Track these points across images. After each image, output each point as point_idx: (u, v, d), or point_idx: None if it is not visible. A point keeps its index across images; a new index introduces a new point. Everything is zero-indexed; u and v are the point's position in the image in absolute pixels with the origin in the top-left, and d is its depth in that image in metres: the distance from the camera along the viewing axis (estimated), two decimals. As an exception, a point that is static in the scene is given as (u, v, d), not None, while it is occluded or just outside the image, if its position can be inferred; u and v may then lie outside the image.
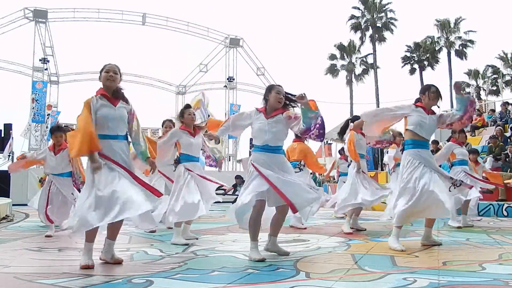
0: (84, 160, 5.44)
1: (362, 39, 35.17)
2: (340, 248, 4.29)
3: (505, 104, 14.96)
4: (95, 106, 3.41)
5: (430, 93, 4.28)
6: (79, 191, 5.05)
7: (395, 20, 34.99)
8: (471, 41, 34.85)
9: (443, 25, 34.86)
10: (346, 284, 2.76)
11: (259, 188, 3.57)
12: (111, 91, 3.50)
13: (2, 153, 15.03)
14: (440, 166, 5.33)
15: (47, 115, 16.39)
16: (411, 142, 4.26)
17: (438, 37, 35.18)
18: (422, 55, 35.14)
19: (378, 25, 34.57)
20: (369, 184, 5.65)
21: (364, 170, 5.73)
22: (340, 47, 35.59)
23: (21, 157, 6.05)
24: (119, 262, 3.44)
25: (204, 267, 3.25)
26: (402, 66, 36.11)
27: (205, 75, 22.41)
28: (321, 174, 22.75)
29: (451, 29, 34.77)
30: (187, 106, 5.00)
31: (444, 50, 35.15)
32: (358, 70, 35.47)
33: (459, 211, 6.41)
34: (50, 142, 5.96)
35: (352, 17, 35.06)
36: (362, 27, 34.82)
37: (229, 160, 20.52)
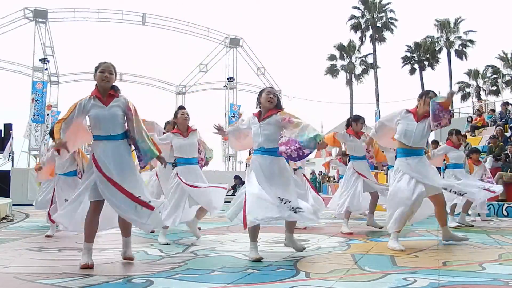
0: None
1: (362, 39, 35.23)
2: (340, 248, 4.29)
3: (505, 104, 14.95)
4: (86, 106, 3.38)
5: (426, 98, 4.30)
6: None
7: (395, 20, 35.07)
8: (471, 41, 34.88)
9: (443, 25, 34.87)
10: (346, 284, 2.75)
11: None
12: (105, 91, 3.44)
13: (2, 153, 15.02)
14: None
15: (47, 115, 16.39)
16: (400, 150, 4.38)
17: (438, 37, 35.20)
18: (422, 55, 35.14)
19: (378, 25, 34.60)
20: (365, 186, 5.68)
21: (362, 171, 5.73)
22: (340, 47, 35.61)
23: (38, 168, 5.96)
24: (129, 259, 3.49)
25: (204, 267, 3.25)
26: (402, 66, 36.16)
27: (205, 75, 22.43)
28: (321, 174, 22.82)
29: (451, 29, 34.78)
30: (181, 107, 5.02)
31: (444, 50, 35.17)
32: (358, 70, 35.52)
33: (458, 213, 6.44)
34: (51, 142, 5.96)
35: (352, 17, 35.08)
36: (362, 27, 34.83)
37: (229, 160, 20.51)
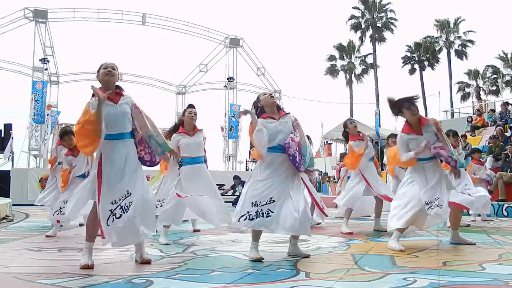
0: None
1: (362, 39, 35.21)
2: (340, 248, 4.29)
3: (505, 104, 14.96)
4: (94, 106, 3.28)
5: (404, 109, 4.16)
6: None
7: (395, 20, 35.05)
8: (471, 41, 34.89)
9: (443, 26, 34.87)
10: (346, 284, 2.75)
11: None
12: (110, 87, 3.39)
13: (3, 153, 15.02)
14: None
15: (47, 115, 16.37)
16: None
17: (437, 37, 35.19)
18: (422, 55, 35.13)
19: (378, 25, 34.59)
20: (367, 190, 5.67)
21: (363, 171, 5.72)
22: (339, 47, 35.60)
23: (66, 175, 5.91)
24: (147, 262, 3.38)
25: (204, 267, 3.26)
26: (403, 66, 36.16)
27: (205, 75, 22.38)
28: (321, 174, 22.81)
29: (450, 29, 34.78)
30: (190, 106, 4.98)
31: (444, 50, 35.18)
32: (358, 70, 35.50)
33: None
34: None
35: (352, 17, 35.09)
36: (362, 27, 34.82)
37: (229, 160, 20.49)
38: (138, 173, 3.41)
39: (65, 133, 5.69)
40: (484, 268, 3.22)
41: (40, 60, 17.49)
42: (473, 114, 18.20)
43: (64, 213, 4.95)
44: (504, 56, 34.63)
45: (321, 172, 22.52)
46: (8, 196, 11.82)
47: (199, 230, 5.71)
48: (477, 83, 35.73)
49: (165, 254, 3.89)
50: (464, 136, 11.72)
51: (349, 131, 5.85)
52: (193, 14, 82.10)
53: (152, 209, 3.55)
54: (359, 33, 35.10)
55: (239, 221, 3.55)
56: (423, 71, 35.18)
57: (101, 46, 46.83)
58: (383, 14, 34.87)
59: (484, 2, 68.30)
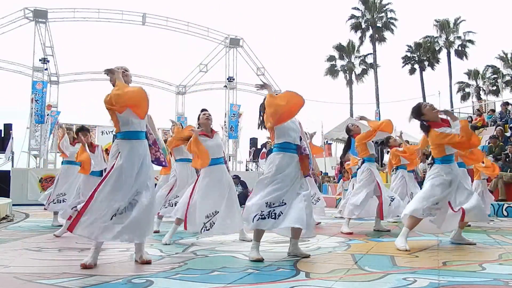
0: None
1: (362, 39, 35.20)
2: (340, 248, 4.30)
3: (505, 104, 14.96)
4: None
5: (429, 104, 4.43)
6: None
7: (395, 20, 35.03)
8: (471, 41, 34.88)
9: (443, 26, 34.86)
10: (346, 284, 2.76)
11: None
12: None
13: (4, 153, 15.02)
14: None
15: (47, 115, 16.35)
16: (446, 158, 4.37)
17: (437, 37, 35.18)
18: (422, 55, 35.13)
19: (378, 25, 34.58)
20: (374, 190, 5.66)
21: (377, 175, 5.74)
22: (339, 47, 35.58)
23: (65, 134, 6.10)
24: (147, 263, 3.38)
25: (204, 267, 3.26)
26: (403, 66, 36.14)
27: (205, 75, 22.37)
28: (321, 175, 22.80)
29: (450, 29, 34.78)
30: (203, 110, 4.99)
31: (444, 50, 35.17)
32: (358, 70, 35.48)
33: None
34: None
35: (352, 17, 35.07)
36: (362, 27, 34.82)
37: (229, 160, 20.49)
38: (150, 174, 3.46)
39: (81, 130, 5.88)
40: (484, 268, 3.22)
41: (40, 60, 17.47)
42: (473, 114, 18.19)
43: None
44: (504, 56, 34.63)
45: (321, 172, 22.53)
46: (8, 196, 11.82)
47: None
48: (477, 83, 35.73)
49: (165, 254, 3.88)
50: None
51: (354, 131, 5.91)
52: (193, 14, 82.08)
53: (152, 216, 3.53)
54: (359, 33, 35.10)
55: (253, 222, 3.54)
56: (423, 71, 35.18)
57: (101, 46, 46.76)
58: (383, 14, 34.85)
59: (484, 2, 68.32)
